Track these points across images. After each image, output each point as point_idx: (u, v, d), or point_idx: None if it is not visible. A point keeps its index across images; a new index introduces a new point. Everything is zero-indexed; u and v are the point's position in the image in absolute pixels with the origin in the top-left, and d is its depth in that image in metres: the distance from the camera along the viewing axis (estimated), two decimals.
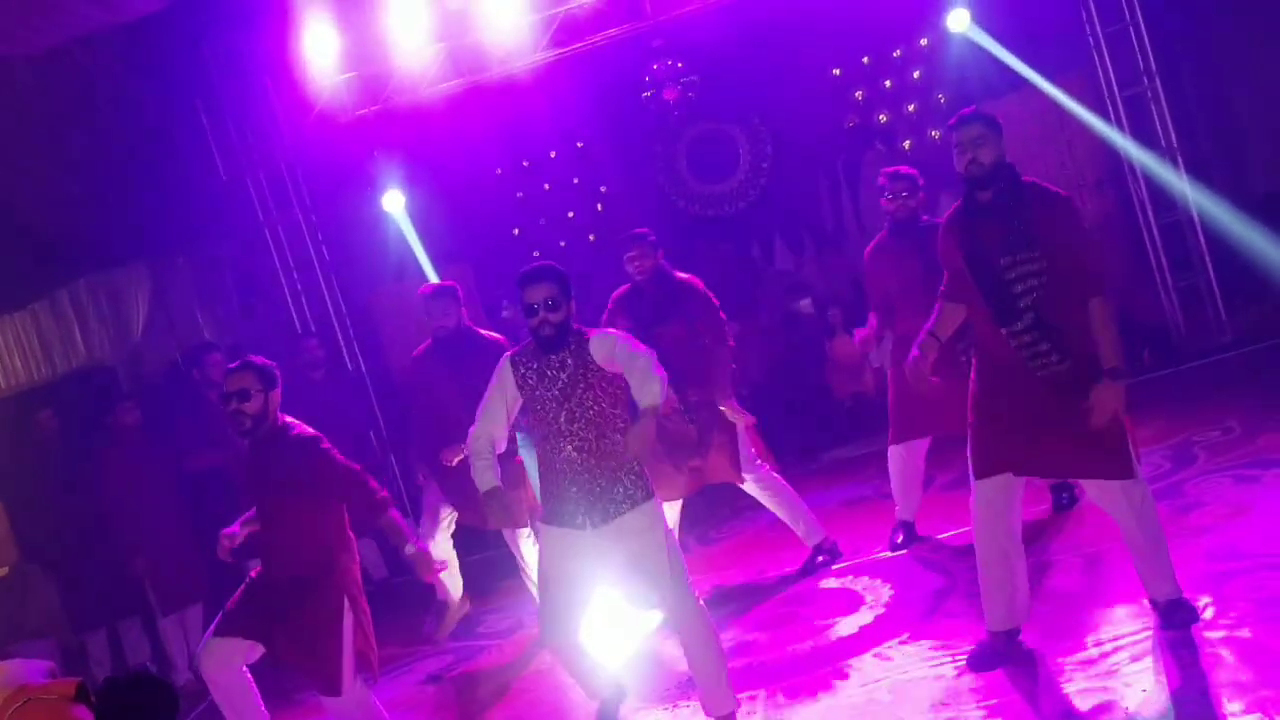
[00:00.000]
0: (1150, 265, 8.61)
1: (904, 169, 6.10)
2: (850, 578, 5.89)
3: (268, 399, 4.76)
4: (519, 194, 10.05)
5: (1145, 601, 4.43)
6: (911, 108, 9.49)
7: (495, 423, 4.40)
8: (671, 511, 6.28)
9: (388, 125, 8.90)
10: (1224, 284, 8.43)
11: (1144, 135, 8.46)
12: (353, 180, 9.17)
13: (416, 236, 9.05)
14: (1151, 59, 8.42)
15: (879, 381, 8.39)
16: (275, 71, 8.53)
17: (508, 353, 4.51)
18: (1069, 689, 4.12)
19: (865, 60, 9.58)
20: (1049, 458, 4.34)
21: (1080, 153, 9.05)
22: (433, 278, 8.93)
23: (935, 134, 9.42)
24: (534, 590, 5.74)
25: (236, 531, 4.93)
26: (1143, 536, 4.30)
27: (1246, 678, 3.84)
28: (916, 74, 9.46)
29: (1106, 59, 8.45)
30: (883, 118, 9.58)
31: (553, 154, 10.00)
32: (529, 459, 5.74)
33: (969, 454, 4.42)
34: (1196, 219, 8.42)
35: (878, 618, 5.28)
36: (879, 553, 6.10)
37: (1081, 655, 4.33)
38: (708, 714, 4.41)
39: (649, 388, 4.14)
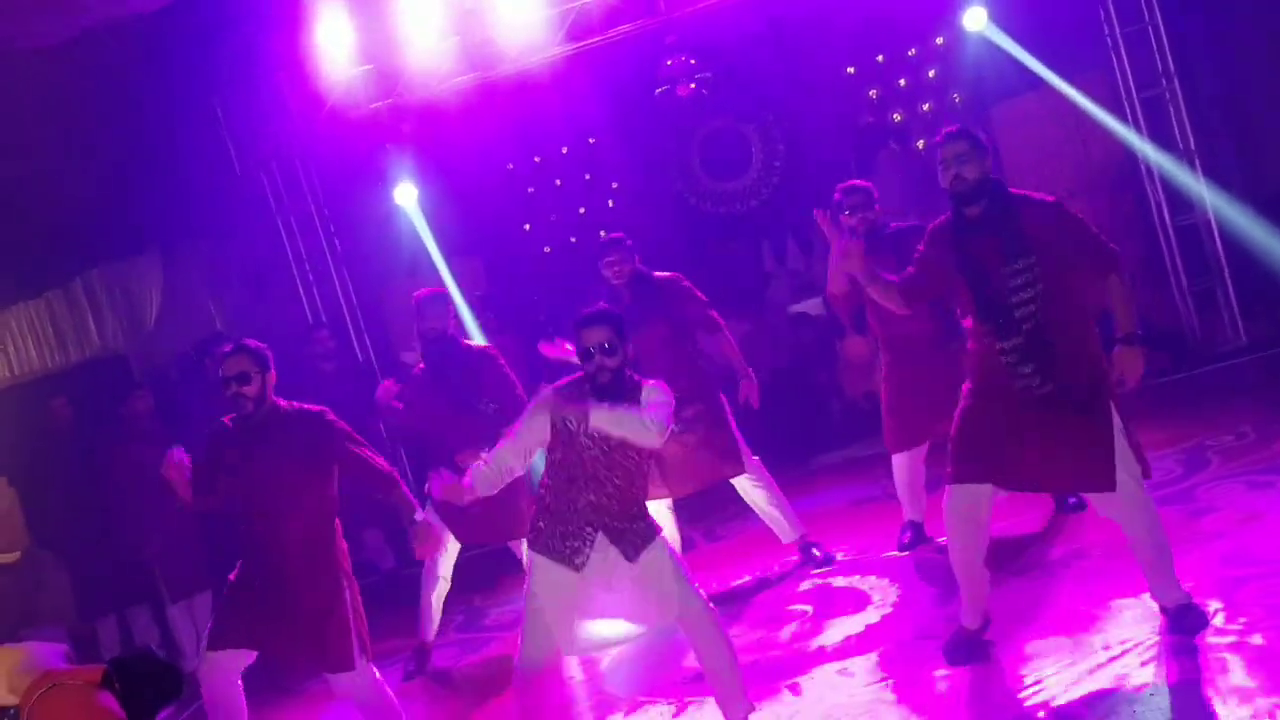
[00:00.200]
0: (1165, 268, 8.55)
1: (858, 183, 6.05)
2: (858, 577, 5.87)
3: (265, 380, 4.78)
4: (530, 189, 10.06)
5: (1154, 607, 4.40)
6: (926, 107, 9.46)
7: (518, 457, 4.29)
8: (662, 510, 6.30)
9: (400, 119, 8.89)
10: (1240, 288, 8.37)
11: (1161, 137, 8.40)
12: (365, 174, 9.18)
13: (428, 230, 9.04)
14: (1170, 60, 8.35)
15: None
16: (289, 64, 8.53)
17: (552, 387, 4.26)
18: (1076, 692, 4.10)
19: (880, 59, 9.56)
20: (1030, 471, 4.34)
21: (1096, 154, 8.99)
22: (444, 272, 8.94)
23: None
24: None
25: (185, 461, 4.79)
26: (1147, 543, 4.29)
27: (1256, 683, 3.81)
28: (931, 73, 9.43)
29: (1125, 59, 8.39)
30: (897, 117, 9.55)
31: (564, 150, 10.00)
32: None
33: (950, 456, 4.47)
34: (1213, 222, 8.36)
35: (885, 617, 5.26)
36: (887, 552, 6.07)
37: (1090, 659, 4.30)
38: (727, 717, 4.38)
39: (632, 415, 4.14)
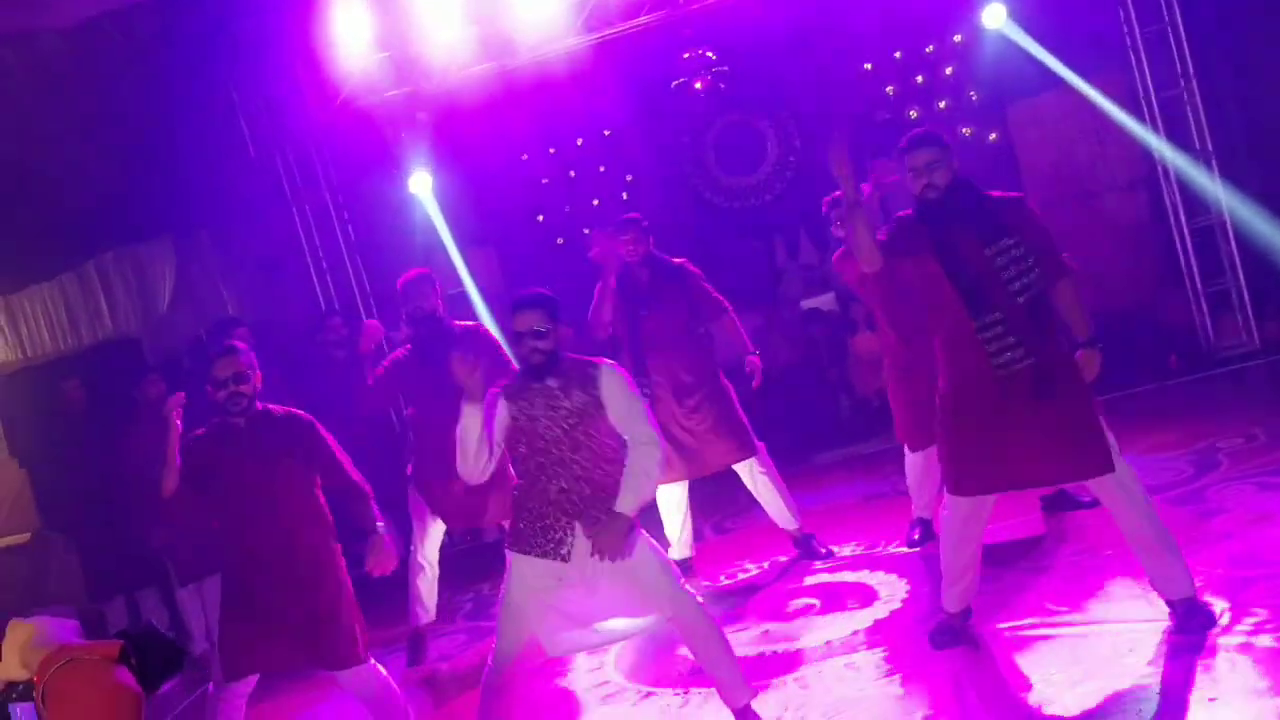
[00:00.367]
0: (1180, 269, 8.53)
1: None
2: (866, 572, 5.87)
3: (255, 381, 4.75)
4: (544, 180, 10.06)
5: (1161, 603, 4.39)
6: (943, 104, 9.44)
7: (491, 447, 4.29)
8: (676, 495, 6.31)
9: (417, 108, 8.90)
10: (1254, 291, 8.35)
11: (1179, 138, 8.38)
12: (380, 161, 9.19)
13: (442, 220, 9.05)
14: (1189, 61, 8.33)
15: None
16: (306, 51, 8.54)
17: (496, 388, 4.30)
18: (1083, 689, 4.09)
19: (897, 55, 9.54)
20: (1028, 470, 4.36)
21: (1113, 154, 8.97)
22: (458, 261, 8.95)
23: (967, 131, 9.37)
24: None
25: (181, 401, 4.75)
26: (1147, 529, 4.28)
27: (1264, 684, 3.80)
28: (949, 70, 9.40)
29: (1144, 60, 8.36)
30: (913, 114, 9.52)
31: (579, 141, 10.00)
32: None
33: (942, 468, 4.52)
34: (1229, 224, 8.33)
35: (893, 612, 5.26)
36: (896, 548, 6.07)
37: (1097, 657, 4.29)
38: (727, 705, 4.38)
39: (644, 478, 4.17)
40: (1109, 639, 4.41)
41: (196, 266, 9.79)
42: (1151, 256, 9.04)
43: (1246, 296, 8.36)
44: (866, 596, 5.54)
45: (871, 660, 4.81)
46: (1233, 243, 8.36)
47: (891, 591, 5.52)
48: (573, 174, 10.04)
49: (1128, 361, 8.29)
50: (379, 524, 4.79)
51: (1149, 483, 5.85)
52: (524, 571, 4.24)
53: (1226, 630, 4.19)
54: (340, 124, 8.81)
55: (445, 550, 7.79)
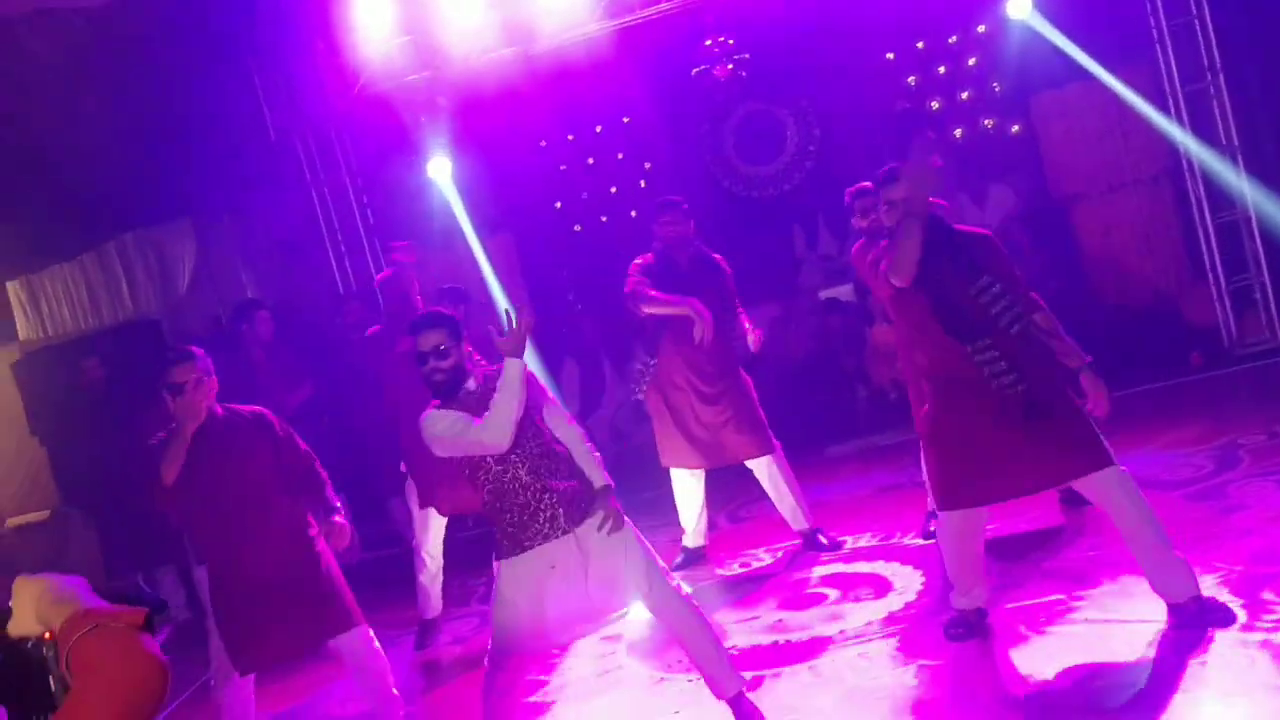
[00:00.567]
0: (1204, 265, 8.46)
1: (867, 185, 5.75)
2: (881, 563, 5.85)
3: (210, 386, 4.74)
4: (562, 167, 10.04)
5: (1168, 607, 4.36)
6: (965, 95, 9.37)
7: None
8: (692, 485, 6.30)
9: (437, 92, 8.89)
10: (1278, 287, 8.27)
11: (1204, 132, 8.30)
12: (399, 146, 9.18)
13: (461, 205, 9.04)
14: (1216, 55, 8.25)
15: None
16: (327, 34, 8.54)
17: (430, 409, 4.24)
18: (1097, 685, 4.07)
19: (920, 45, 9.47)
20: (1022, 475, 4.37)
21: (1137, 147, 8.90)
22: (476, 246, 8.95)
23: (989, 123, 9.31)
24: None
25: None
26: (1146, 532, 4.26)
27: None
28: (972, 61, 9.34)
29: (1170, 53, 8.28)
30: (935, 104, 9.47)
31: (599, 128, 9.97)
32: None
33: (932, 484, 4.59)
34: (1254, 219, 8.26)
35: (907, 604, 5.24)
36: (912, 540, 6.05)
37: (1113, 652, 4.27)
38: (717, 697, 4.34)
39: (588, 452, 4.34)
40: (1125, 634, 4.38)
41: (216, 248, 9.82)
42: (1174, 252, 8.97)
43: (1270, 293, 8.29)
44: (881, 587, 5.52)
45: (885, 650, 4.80)
46: (1257, 239, 8.29)
47: (906, 583, 5.50)
48: (591, 161, 10.01)
49: (1149, 357, 8.24)
50: (336, 505, 4.90)
51: (1168, 478, 5.87)
52: (515, 573, 4.20)
53: (1247, 627, 4.16)
54: (360, 108, 8.81)
55: (458, 535, 7.83)
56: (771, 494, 6.28)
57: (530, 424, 4.21)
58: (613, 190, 10.01)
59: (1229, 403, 7.17)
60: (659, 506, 6.79)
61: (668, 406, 6.24)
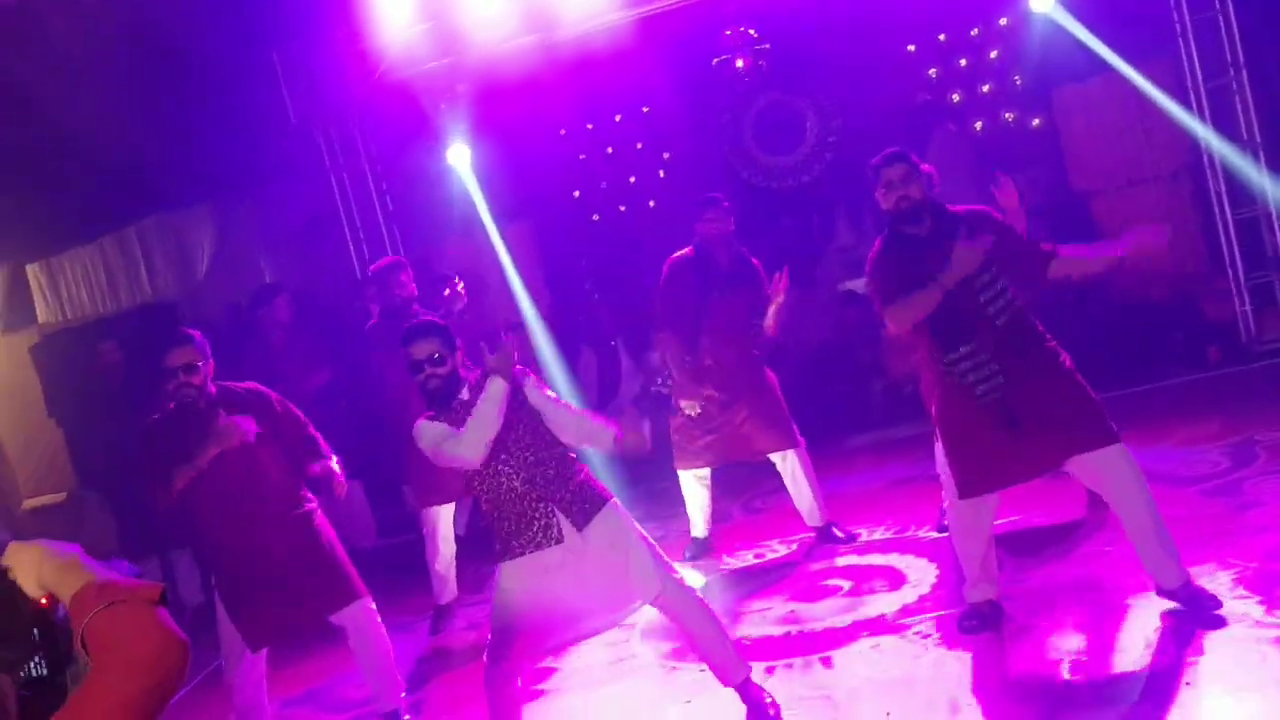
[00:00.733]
0: (1223, 261, 8.41)
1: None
2: (895, 555, 5.85)
3: (207, 370, 4.79)
4: (581, 156, 10.03)
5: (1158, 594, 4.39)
6: (986, 88, 9.33)
7: None
8: (701, 489, 6.29)
9: (457, 79, 8.89)
10: None
11: (1226, 128, 8.24)
12: (419, 132, 9.19)
13: (480, 192, 9.05)
14: (1239, 50, 8.18)
15: None
16: (348, 19, 8.54)
17: (420, 420, 4.29)
18: (1110, 678, 4.07)
19: (941, 37, 9.43)
20: (1035, 457, 4.42)
21: (1158, 142, 8.84)
22: (494, 234, 8.96)
23: (1010, 116, 9.27)
24: None
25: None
26: (1145, 516, 4.30)
27: None
28: (994, 54, 9.29)
29: (1193, 48, 8.22)
30: (956, 97, 9.42)
31: (618, 118, 9.96)
32: None
33: (950, 472, 4.60)
34: (1274, 215, 8.20)
35: (921, 596, 5.24)
36: (926, 533, 6.05)
37: (1128, 646, 4.27)
38: (724, 684, 4.37)
39: (598, 435, 4.36)
40: (1138, 628, 4.38)
41: (235, 234, 9.85)
42: (1194, 247, 8.91)
43: None
44: (895, 580, 5.52)
45: (897, 643, 4.80)
46: (1278, 235, 8.23)
47: (920, 576, 5.50)
48: (610, 150, 10.00)
49: (1167, 353, 8.21)
50: (330, 456, 4.98)
51: (1185, 474, 5.85)
52: (513, 574, 4.22)
53: (1260, 623, 4.15)
54: (380, 94, 8.81)
55: (476, 521, 7.85)
56: (790, 488, 6.27)
57: (527, 434, 4.23)
58: (631, 180, 10.00)
59: (1246, 399, 7.13)
60: (672, 497, 6.80)
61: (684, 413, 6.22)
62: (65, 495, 9.21)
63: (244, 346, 7.99)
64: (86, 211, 9.14)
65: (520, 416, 4.24)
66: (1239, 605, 4.31)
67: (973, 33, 9.34)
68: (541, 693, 5.12)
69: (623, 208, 10.00)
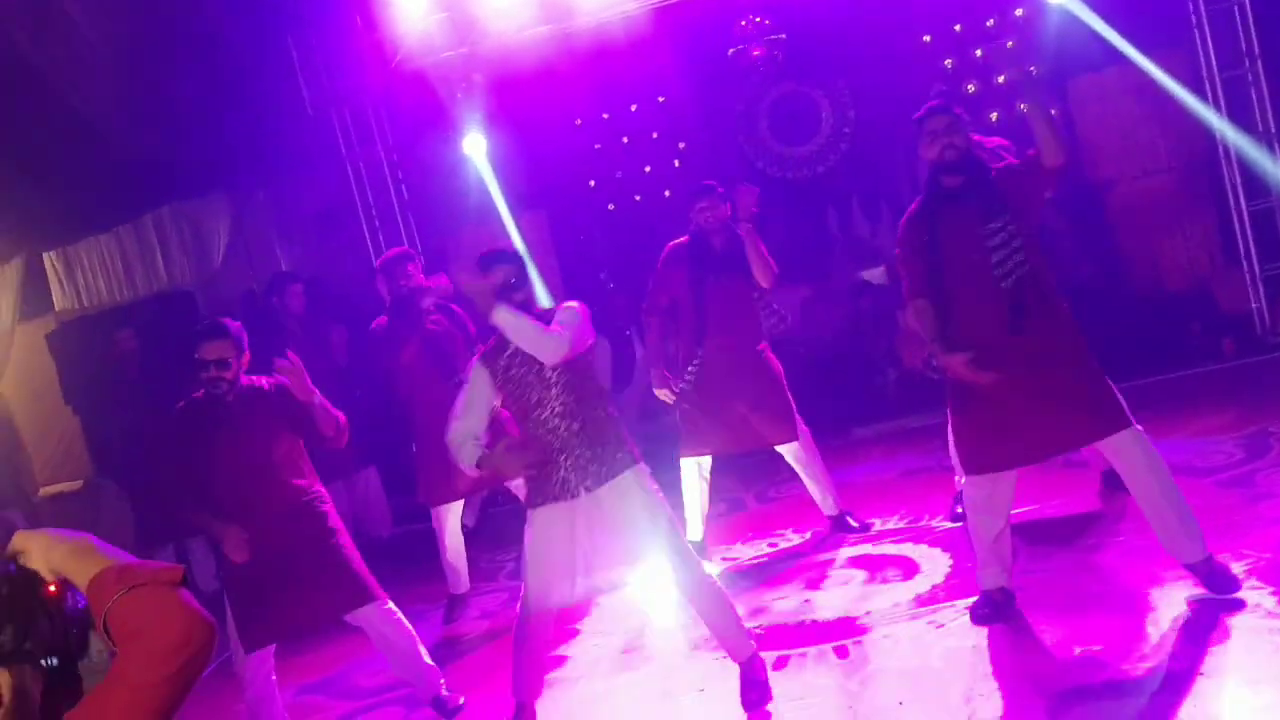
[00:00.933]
0: (1238, 252, 8.39)
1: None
2: (909, 545, 5.87)
3: (240, 364, 4.81)
4: (597, 145, 10.04)
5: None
6: (1002, 79, 9.31)
7: (477, 420, 4.42)
8: (700, 483, 6.29)
9: (473, 69, 8.90)
10: None
11: (1241, 119, 8.21)
12: (435, 122, 9.20)
13: (495, 182, 9.07)
14: (1255, 41, 8.15)
15: None
16: (364, 9, 8.56)
17: (476, 357, 4.50)
18: (1126, 670, 4.08)
19: (957, 28, 9.41)
20: (1045, 439, 4.46)
21: (1173, 132, 8.81)
22: (509, 223, 8.98)
23: (1025, 106, 9.23)
24: None
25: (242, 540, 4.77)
26: (1160, 492, 4.34)
27: None
28: (1009, 44, 9.26)
29: (1209, 38, 8.19)
30: (971, 87, 9.41)
31: (633, 107, 9.97)
32: None
33: (958, 450, 4.65)
34: None
35: (934, 586, 5.26)
36: (940, 522, 6.06)
37: (1142, 637, 4.28)
38: (735, 660, 4.55)
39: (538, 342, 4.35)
40: (1152, 619, 4.39)
41: (251, 222, 9.89)
42: (1209, 238, 8.89)
43: None
44: (908, 569, 5.54)
45: (910, 632, 4.82)
46: None
47: (933, 565, 5.52)
48: (626, 140, 10.01)
49: (1181, 344, 8.20)
50: (339, 416, 4.90)
51: (1199, 465, 5.85)
52: (540, 522, 4.44)
53: (1274, 614, 4.16)
54: (396, 83, 8.83)
55: (488, 511, 7.89)
56: (802, 477, 6.29)
57: (562, 390, 4.38)
58: (647, 169, 10.02)
59: (1260, 391, 7.11)
60: (672, 501, 6.79)
61: (688, 400, 6.23)
62: (82, 483, 9.26)
63: (259, 334, 8.03)
64: (103, 200, 9.18)
65: (558, 373, 4.37)
66: (1253, 596, 4.32)
67: (989, 23, 9.32)
68: (556, 681, 5.15)
69: (638, 197, 10.01)
